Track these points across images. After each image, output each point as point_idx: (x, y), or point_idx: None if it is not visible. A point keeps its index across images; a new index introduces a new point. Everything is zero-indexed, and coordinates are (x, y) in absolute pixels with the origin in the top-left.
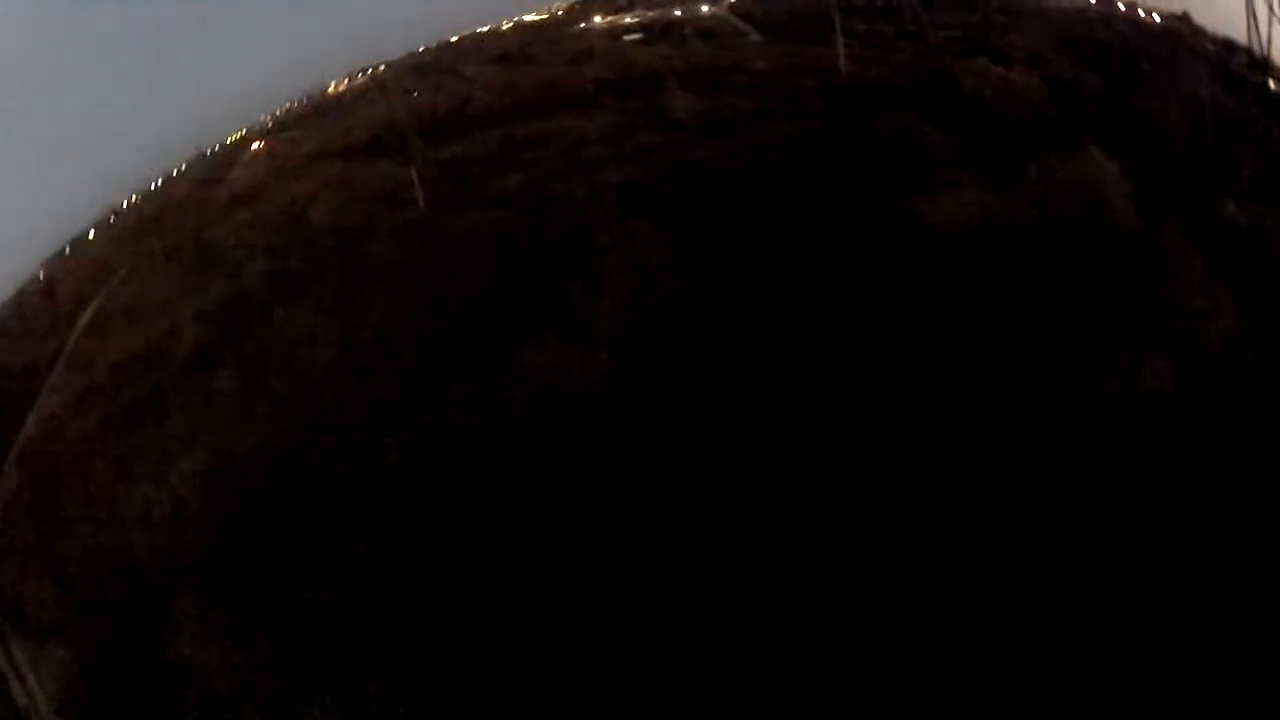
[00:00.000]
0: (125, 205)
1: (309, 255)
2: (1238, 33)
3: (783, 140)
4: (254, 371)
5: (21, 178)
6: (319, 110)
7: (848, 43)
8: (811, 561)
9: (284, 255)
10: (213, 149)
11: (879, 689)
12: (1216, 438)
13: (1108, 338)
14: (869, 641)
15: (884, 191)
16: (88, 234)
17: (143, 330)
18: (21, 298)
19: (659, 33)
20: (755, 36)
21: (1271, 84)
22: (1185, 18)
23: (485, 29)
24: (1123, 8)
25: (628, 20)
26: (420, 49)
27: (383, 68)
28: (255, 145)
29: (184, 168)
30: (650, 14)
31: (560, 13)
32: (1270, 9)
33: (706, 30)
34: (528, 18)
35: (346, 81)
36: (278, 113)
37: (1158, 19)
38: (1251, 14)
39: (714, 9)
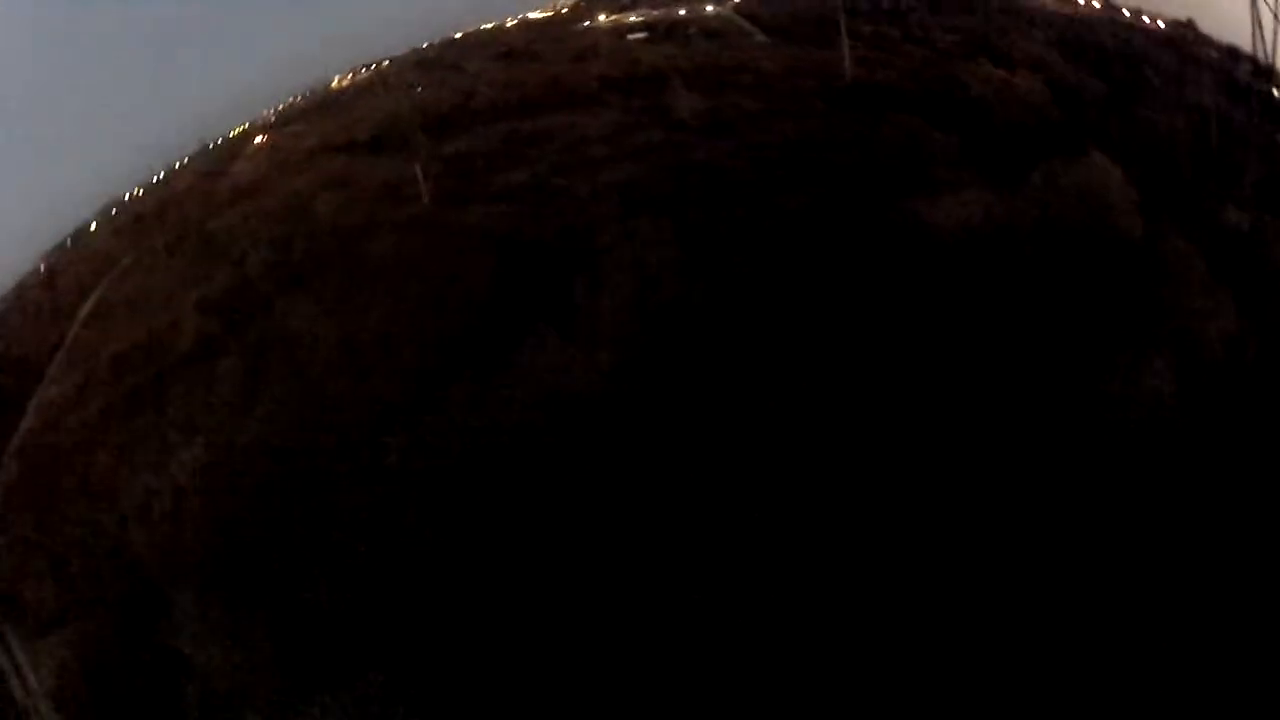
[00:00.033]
0: (127, 198)
1: (311, 249)
2: (1242, 40)
3: (786, 141)
4: (255, 365)
5: (24, 171)
6: (322, 105)
7: (853, 45)
8: (812, 560)
9: (286, 248)
10: (215, 143)
11: (879, 687)
12: (1216, 438)
13: (1110, 339)
14: (870, 640)
15: (886, 193)
16: (89, 226)
17: (144, 321)
18: (22, 290)
19: (664, 32)
20: (760, 37)
21: (1275, 92)
22: (1190, 25)
23: (489, 26)
24: (1127, 14)
25: (632, 19)
26: (424, 45)
27: (386, 64)
28: (258, 139)
29: (186, 161)
30: (655, 13)
31: (564, 10)
32: (1275, 17)
33: (711, 30)
34: (532, 15)
35: (350, 77)
36: (281, 107)
37: (1162, 25)
38: (1256, 22)
39: (719, 9)
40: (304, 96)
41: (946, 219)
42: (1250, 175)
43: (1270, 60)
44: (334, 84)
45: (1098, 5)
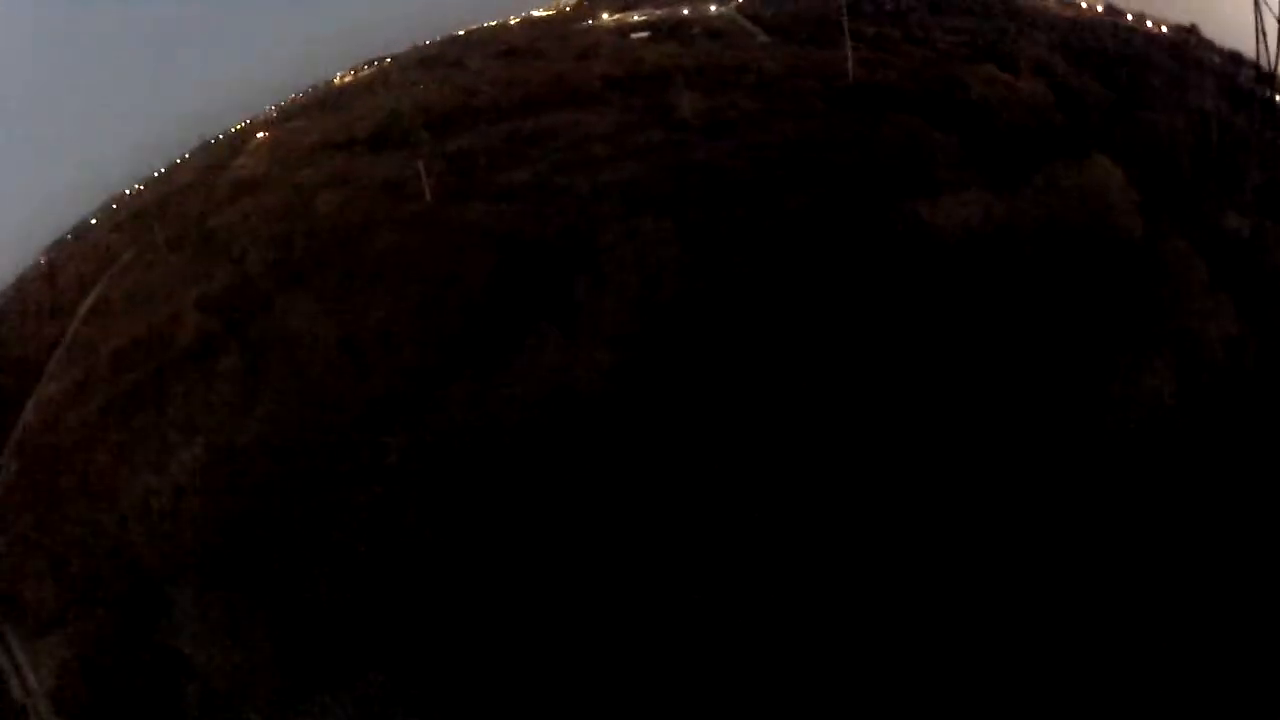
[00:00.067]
0: (128, 193)
1: (312, 247)
2: (1245, 46)
3: (787, 140)
4: (255, 363)
5: (25, 168)
6: (324, 102)
7: (854, 46)
8: (813, 558)
9: (287, 246)
10: (216, 138)
11: (880, 686)
12: (1216, 439)
13: (1111, 340)
14: (870, 639)
15: (888, 194)
16: (90, 222)
17: (144, 318)
18: (22, 284)
19: (667, 31)
20: (762, 37)
21: (1277, 98)
22: (1192, 29)
23: (492, 24)
24: (1130, 19)
25: (635, 18)
26: (426, 42)
27: (388, 61)
28: (259, 135)
29: (187, 156)
30: (658, 12)
31: (567, 9)
32: (1278, 21)
33: (714, 30)
34: (535, 13)
35: (352, 74)
36: (282, 103)
37: (1164, 30)
38: (1260, 28)
39: (722, 9)
40: (306, 93)
41: (948, 220)
42: (1251, 180)
43: (1272, 66)
44: (336, 81)
45: (1100, 9)
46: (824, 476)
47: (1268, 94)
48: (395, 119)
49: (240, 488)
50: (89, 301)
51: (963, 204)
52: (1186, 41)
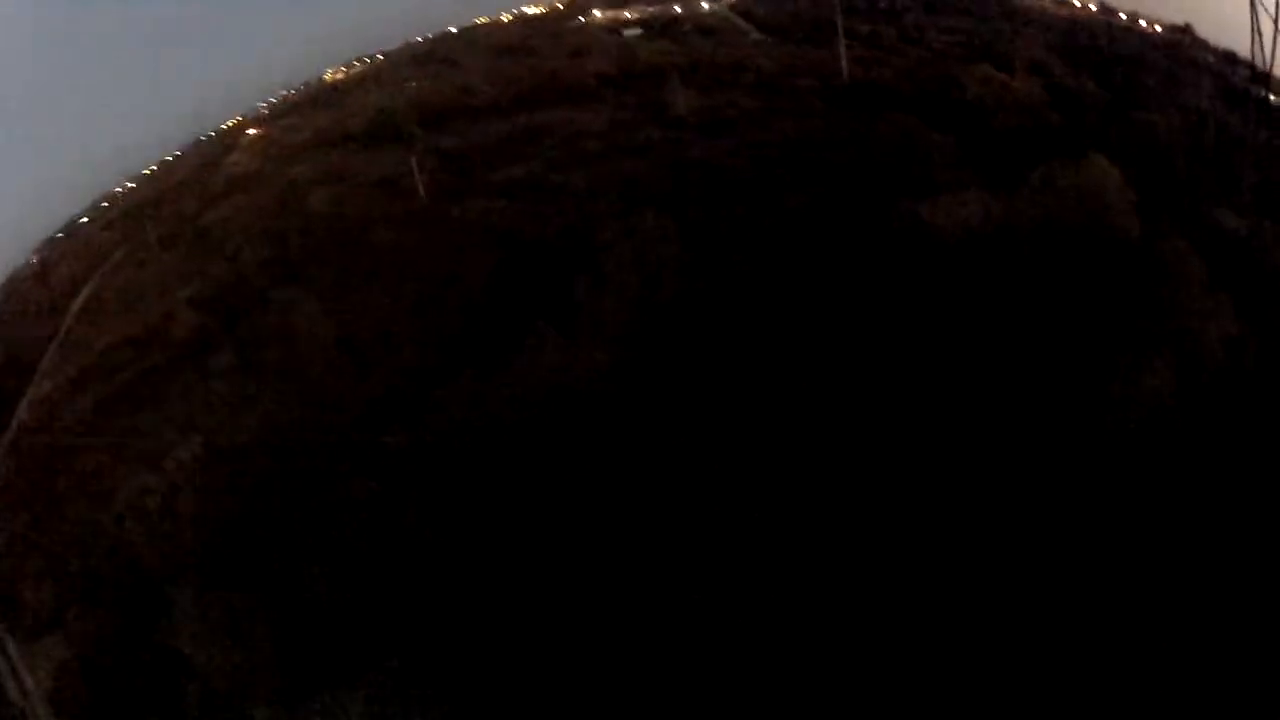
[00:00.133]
0: (120, 190)
1: (306, 244)
2: (1239, 46)
3: (785, 139)
4: (252, 359)
5: (19, 166)
6: (316, 99)
7: (850, 45)
8: (812, 557)
9: (281, 242)
10: (209, 135)
11: (879, 686)
12: (1216, 439)
13: (1110, 339)
14: (870, 637)
15: (885, 192)
16: (81, 220)
17: (138, 314)
18: (14, 283)
19: (659, 29)
20: (756, 35)
21: (1272, 98)
22: (1187, 29)
23: (485, 21)
24: (1125, 18)
25: (627, 15)
26: (418, 40)
27: (381, 58)
28: (252, 132)
29: (180, 154)
30: (650, 10)
31: (559, 6)
32: (1275, 23)
33: (707, 27)
34: (528, 10)
35: (344, 71)
36: (275, 100)
37: (1160, 30)
38: (1256, 28)
39: (715, 6)
40: (298, 90)
41: (946, 219)
42: (1247, 179)
43: (1267, 66)
44: (328, 78)
45: (1095, 9)
46: (823, 472)
47: (1263, 94)
48: (389, 116)
49: (240, 487)
50: (81, 299)
51: (961, 203)
52: (1181, 41)
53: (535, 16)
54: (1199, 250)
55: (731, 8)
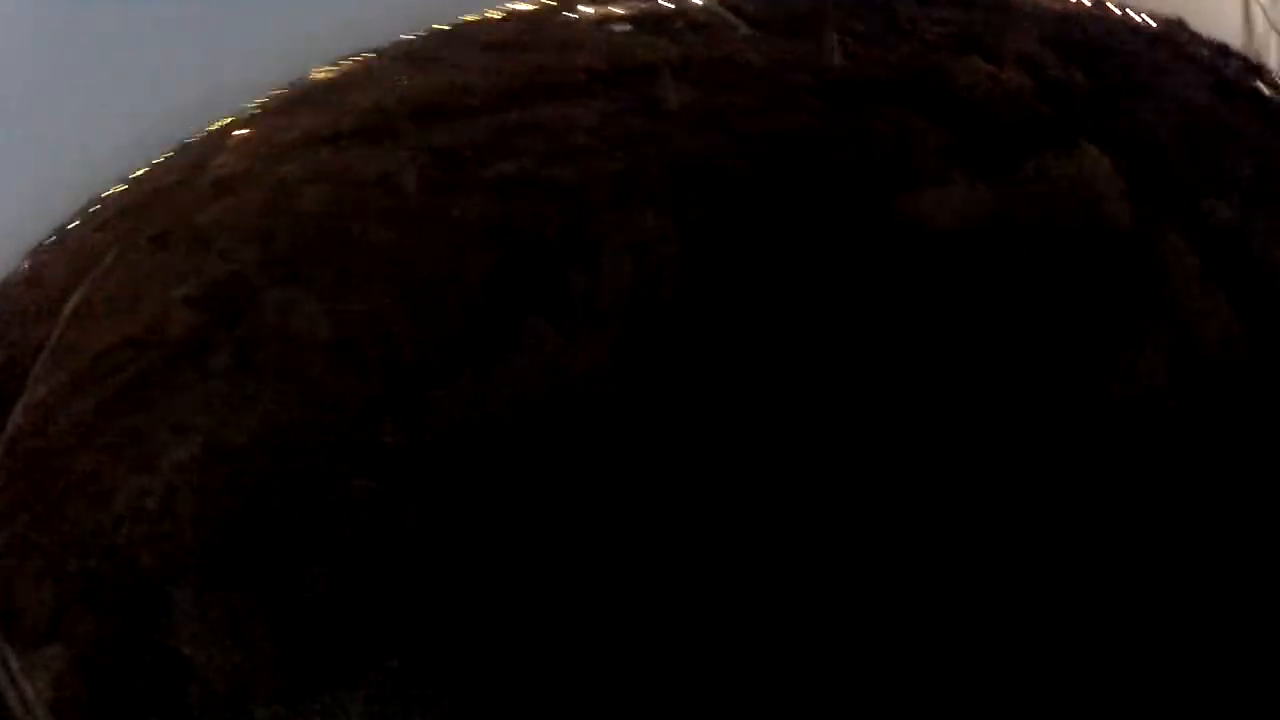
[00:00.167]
0: (110, 193)
1: (299, 243)
2: (1232, 38)
3: (777, 134)
4: (248, 359)
5: (13, 168)
6: (305, 97)
7: (840, 39)
8: (811, 556)
9: (273, 240)
10: (197, 136)
11: (879, 685)
12: (1213, 436)
13: (1106, 334)
14: (870, 635)
15: (879, 186)
16: (71, 223)
17: (132, 316)
18: (5, 289)
19: (650, 25)
20: (745, 29)
21: (1265, 90)
22: (1180, 22)
23: (474, 18)
24: (1116, 11)
25: (617, 11)
26: (408, 37)
27: (370, 55)
28: (241, 131)
29: (170, 154)
30: (640, 5)
31: (550, 2)
32: (1265, 15)
33: (698, 24)
34: (516, 6)
35: (334, 69)
36: (262, 100)
37: (1151, 23)
38: (1247, 20)
39: (705, 1)
40: (287, 88)
41: (940, 211)
42: (1240, 171)
43: (1259, 58)
44: (317, 76)
45: (1087, 2)
46: (822, 471)
47: (1256, 86)
48: (379, 113)
49: (240, 487)
50: (73, 303)
51: (954, 195)
52: (1173, 33)
53: (525, 13)
54: (1191, 241)
55: (721, 3)
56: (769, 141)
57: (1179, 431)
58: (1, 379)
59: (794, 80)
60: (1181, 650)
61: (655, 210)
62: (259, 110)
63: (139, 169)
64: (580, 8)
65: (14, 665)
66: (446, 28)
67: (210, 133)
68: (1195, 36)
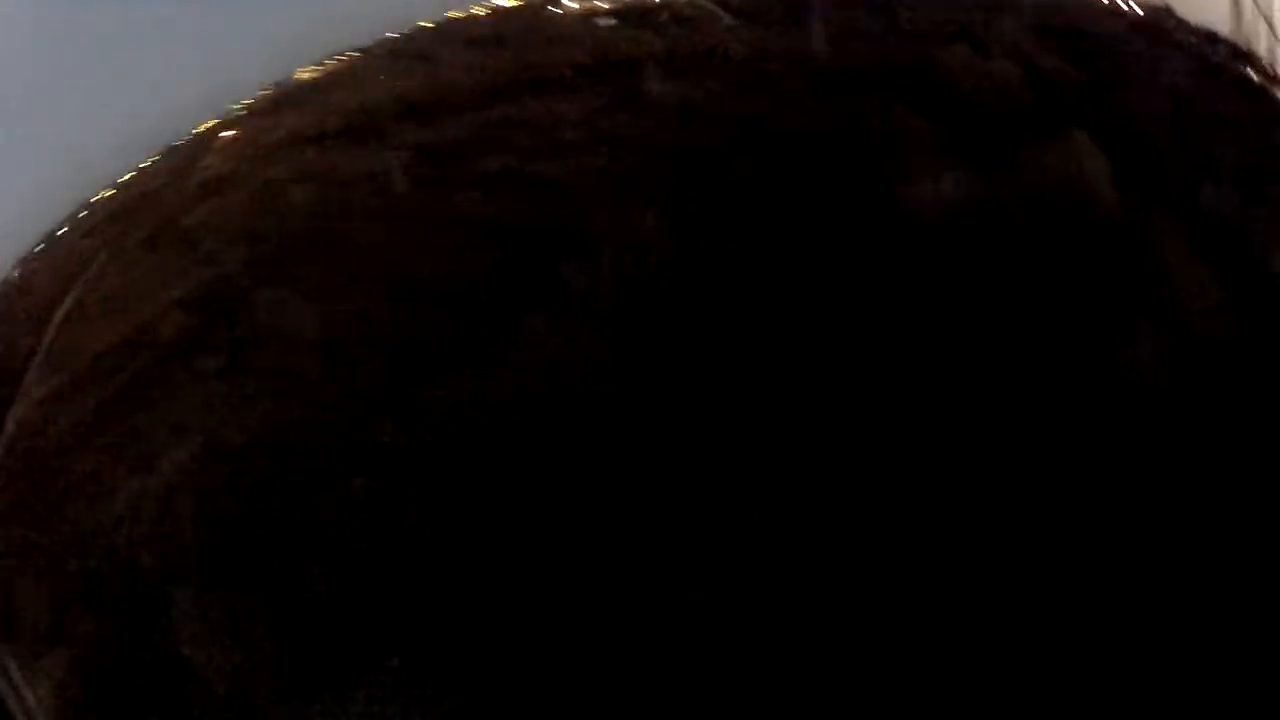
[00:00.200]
0: (98, 198)
1: (287, 243)
2: (1220, 25)
3: (764, 124)
4: (243, 359)
5: (8, 170)
6: (290, 97)
7: (825, 27)
8: (810, 552)
9: (262, 240)
10: (183, 139)
11: (878, 685)
12: (1205, 423)
13: (1094, 325)
14: (870, 634)
15: (870, 179)
16: (61, 229)
17: (125, 318)
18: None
19: (634, 19)
20: (729, 20)
21: (1254, 76)
22: (1166, 9)
23: (458, 15)
24: (1105, 1)
25: (601, 5)
26: (393, 35)
27: (355, 54)
28: (227, 133)
29: (156, 158)
30: (625, 0)
31: None
32: (1254, 1)
33: (682, 16)
34: (502, 2)
35: (319, 69)
36: (248, 101)
37: (1139, 10)
38: (1235, 6)
39: None
40: (271, 89)
41: (929, 200)
42: (1228, 156)
43: (1248, 45)
44: (302, 76)
45: None
46: (821, 469)
47: (1245, 71)
48: (364, 112)
49: (239, 487)
50: (65, 307)
51: (944, 186)
52: (1160, 20)
53: (509, 9)
54: (1180, 226)
55: None
56: (757, 133)
57: (1171, 417)
58: (3, 378)
59: (777, 69)
60: (1179, 644)
61: (651, 207)
62: (244, 112)
63: (124, 172)
64: (565, 3)
65: (16, 675)
66: (431, 25)
67: (196, 135)
68: (1183, 23)
